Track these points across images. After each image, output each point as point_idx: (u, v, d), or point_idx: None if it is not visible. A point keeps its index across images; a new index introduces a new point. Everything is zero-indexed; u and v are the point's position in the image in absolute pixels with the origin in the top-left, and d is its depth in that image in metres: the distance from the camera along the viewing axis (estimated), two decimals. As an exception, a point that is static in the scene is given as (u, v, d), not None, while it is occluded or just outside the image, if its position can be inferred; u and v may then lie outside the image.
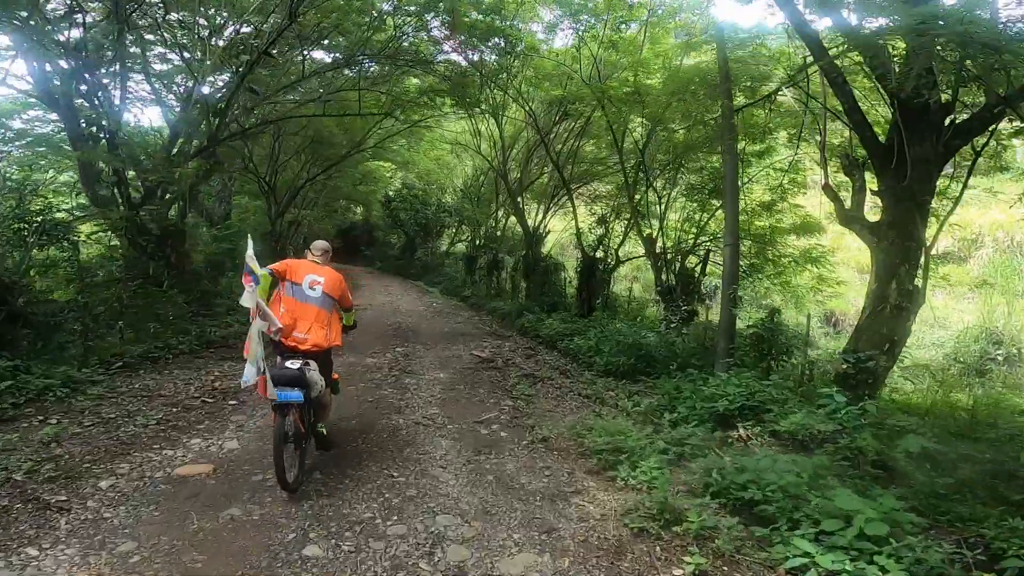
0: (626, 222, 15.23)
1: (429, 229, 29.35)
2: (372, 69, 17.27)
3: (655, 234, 13.00)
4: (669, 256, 12.84)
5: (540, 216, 19.71)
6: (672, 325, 11.38)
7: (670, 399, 8.11)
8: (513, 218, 23.97)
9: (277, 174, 21.41)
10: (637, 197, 13.43)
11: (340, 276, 4.97)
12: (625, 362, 10.06)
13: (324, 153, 21.50)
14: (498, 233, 22.53)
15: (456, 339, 13.16)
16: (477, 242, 24.05)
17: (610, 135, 17.25)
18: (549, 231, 19.44)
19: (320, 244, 5.13)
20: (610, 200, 15.80)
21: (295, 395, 4.12)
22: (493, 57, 17.24)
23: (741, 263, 14.28)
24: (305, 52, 15.11)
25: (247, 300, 4.20)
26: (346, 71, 16.39)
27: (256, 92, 14.18)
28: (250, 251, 4.25)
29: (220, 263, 18.90)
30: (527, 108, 16.61)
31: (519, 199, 19.01)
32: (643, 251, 17.32)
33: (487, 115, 19.52)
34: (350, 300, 5.16)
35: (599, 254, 15.33)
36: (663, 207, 13.26)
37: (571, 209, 18.11)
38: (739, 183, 9.89)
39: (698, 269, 13.02)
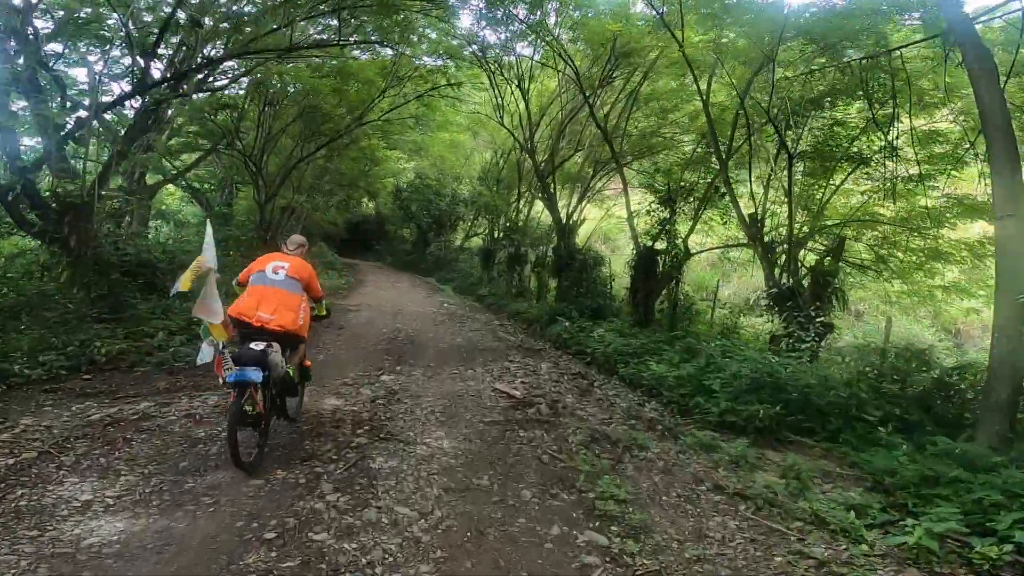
0: (697, 202, 10.44)
1: (442, 222, 24.58)
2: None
3: (761, 215, 8.20)
4: (783, 246, 8.01)
5: (573, 202, 14.95)
6: (805, 345, 6.61)
7: (977, 506, 3.43)
8: (537, 206, 19.25)
9: (266, 152, 16.74)
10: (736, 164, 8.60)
11: (308, 265, 4.41)
12: (766, 412, 5.31)
13: (320, 128, 16.80)
14: (520, 223, 17.74)
15: (472, 357, 8.44)
16: (496, 234, 19.31)
17: (670, 99, 12.55)
18: (584, 219, 14.67)
19: (295, 238, 4.64)
20: (675, 175, 10.94)
21: (255, 374, 3.61)
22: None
23: (852, 259, 9.52)
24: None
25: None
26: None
27: (200, 24, 9.55)
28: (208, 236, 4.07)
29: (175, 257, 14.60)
30: (566, 60, 11.82)
31: (548, 181, 14.26)
32: (714, 240, 12.59)
33: (511, 83, 14.82)
34: (319, 289, 4.51)
35: (659, 244, 10.53)
36: (790, 178, 8.28)
37: (611, 193, 13.43)
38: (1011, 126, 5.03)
39: (823, 264, 8.14)
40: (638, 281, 10.59)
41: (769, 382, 5.73)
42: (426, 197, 24.17)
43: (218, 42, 11.01)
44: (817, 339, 6.92)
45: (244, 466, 3.73)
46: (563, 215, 14.41)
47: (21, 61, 8.75)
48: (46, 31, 9.73)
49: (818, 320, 7.05)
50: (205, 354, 3.89)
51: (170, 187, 22.17)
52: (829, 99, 8.53)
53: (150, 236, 19.06)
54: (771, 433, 5.38)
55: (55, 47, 10.35)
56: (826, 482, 4.56)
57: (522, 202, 18.71)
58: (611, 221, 16.65)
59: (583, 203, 14.73)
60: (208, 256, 4.07)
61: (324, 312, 4.87)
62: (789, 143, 7.95)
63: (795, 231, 7.99)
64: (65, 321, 7.52)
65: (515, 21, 13.49)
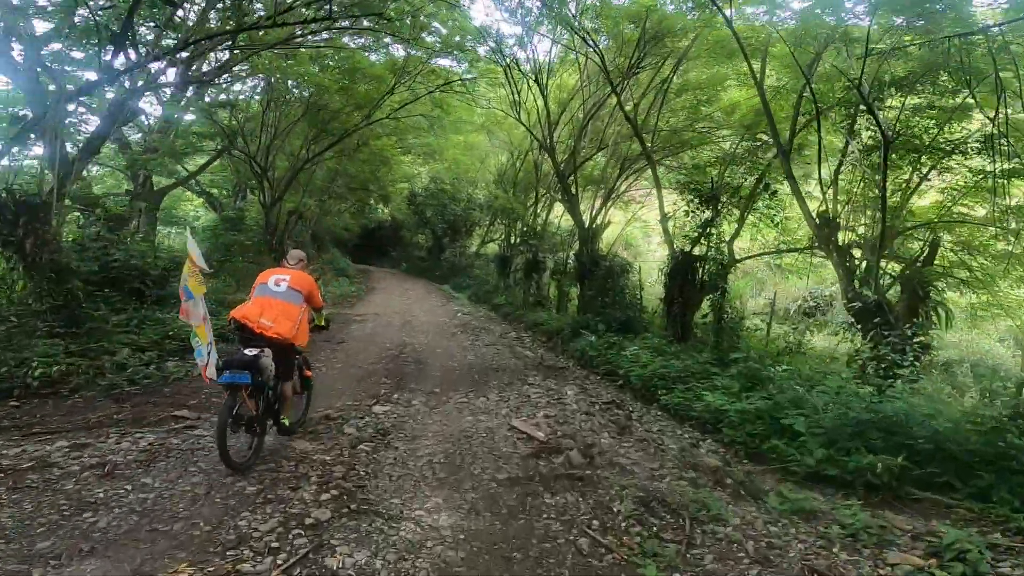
0: (743, 202, 8.96)
1: (457, 227, 23.25)
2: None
3: (834, 215, 6.69)
4: (865, 251, 6.46)
5: (596, 205, 13.54)
6: (902, 370, 5.09)
7: None
8: (555, 210, 17.87)
9: (272, 153, 15.57)
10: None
11: (309, 277, 4.44)
12: (887, 464, 3.84)
13: (328, 127, 15.58)
14: (538, 228, 16.32)
15: (485, 379, 7.03)
16: (512, 239, 17.93)
17: (705, 91, 11.13)
18: (609, 222, 13.22)
19: (295, 253, 4.72)
20: (717, 172, 9.42)
21: (242, 376, 3.69)
22: None
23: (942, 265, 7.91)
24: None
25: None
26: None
27: (174, 3, 8.38)
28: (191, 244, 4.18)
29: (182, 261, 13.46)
30: (591, 45, 10.42)
31: (569, 182, 12.83)
32: (758, 245, 11.04)
33: (528, 79, 13.51)
34: (320, 300, 4.53)
35: (698, 249, 9.05)
36: (884, 168, 6.64)
37: (637, 194, 11.98)
38: None
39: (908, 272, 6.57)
40: (674, 291, 9.10)
41: (875, 422, 4.23)
42: (441, 202, 22.89)
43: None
44: (916, 363, 5.38)
45: (235, 466, 3.68)
46: (585, 218, 12.99)
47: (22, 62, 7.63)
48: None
49: (916, 341, 5.52)
50: (201, 355, 3.98)
51: (188, 193, 21.11)
52: (906, 82, 7.00)
53: (158, 241, 18.12)
54: (889, 490, 3.88)
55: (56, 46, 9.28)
56: (999, 560, 3.07)
57: (539, 206, 17.34)
58: (636, 225, 15.12)
59: (608, 205, 13.25)
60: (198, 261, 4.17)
61: (323, 323, 4.82)
62: (885, 127, 6.29)
63: (876, 232, 6.41)
64: (10, 336, 6.27)
65: (532, 10, 12.23)
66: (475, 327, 12.30)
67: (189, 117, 15.93)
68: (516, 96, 13.78)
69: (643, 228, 15.59)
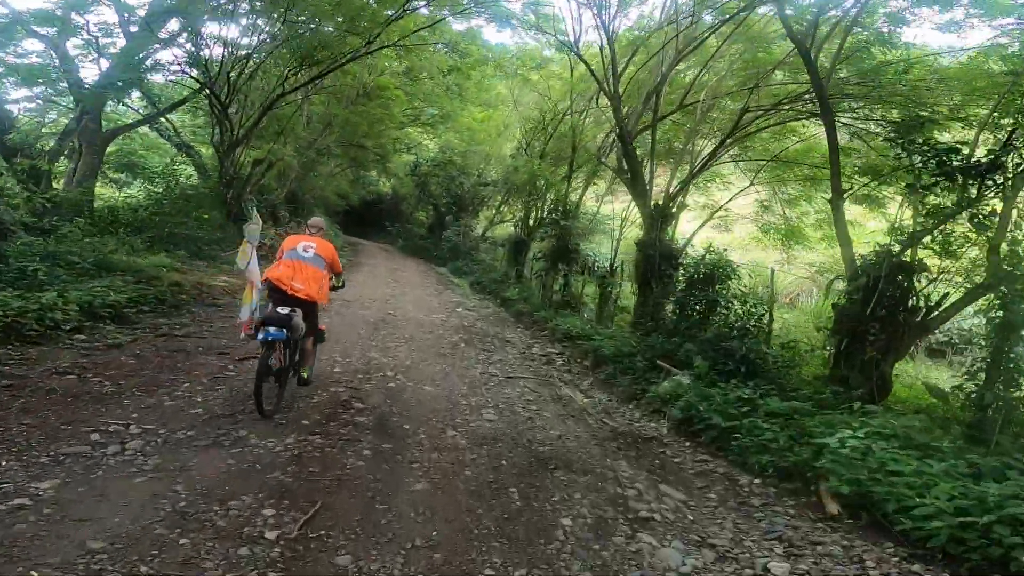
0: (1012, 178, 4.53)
1: (464, 204, 18.68)
2: None
3: None
4: None
5: (673, 180, 9.07)
6: None
7: None
8: (594, 189, 13.37)
9: (234, 84, 10.82)
10: None
11: (331, 245, 4.61)
12: None
13: (314, 55, 10.94)
14: (571, 207, 11.74)
15: (541, 518, 2.60)
16: (532, 220, 13.41)
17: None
18: (687, 206, 8.75)
19: (315, 221, 4.86)
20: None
21: (280, 333, 3.74)
22: None
23: None
24: None
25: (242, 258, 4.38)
26: None
27: None
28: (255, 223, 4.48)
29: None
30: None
31: (637, 142, 8.33)
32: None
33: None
34: (339, 266, 4.65)
35: (908, 254, 4.67)
36: None
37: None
38: None
39: None
40: (858, 320, 4.73)
41: None
42: (448, 173, 18.35)
43: None
44: None
45: (265, 413, 3.69)
46: (664, 197, 8.54)
47: None
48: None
49: None
50: (243, 314, 4.23)
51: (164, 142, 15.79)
52: None
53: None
54: None
55: None
56: None
57: (572, 183, 12.81)
58: (724, 213, 10.43)
59: (693, 181, 8.69)
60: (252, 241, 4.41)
61: (341, 284, 4.84)
62: None
63: None
64: None
65: None
66: (484, 333, 7.93)
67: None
68: (578, 26, 9.22)
69: (724, 219, 11.10)
